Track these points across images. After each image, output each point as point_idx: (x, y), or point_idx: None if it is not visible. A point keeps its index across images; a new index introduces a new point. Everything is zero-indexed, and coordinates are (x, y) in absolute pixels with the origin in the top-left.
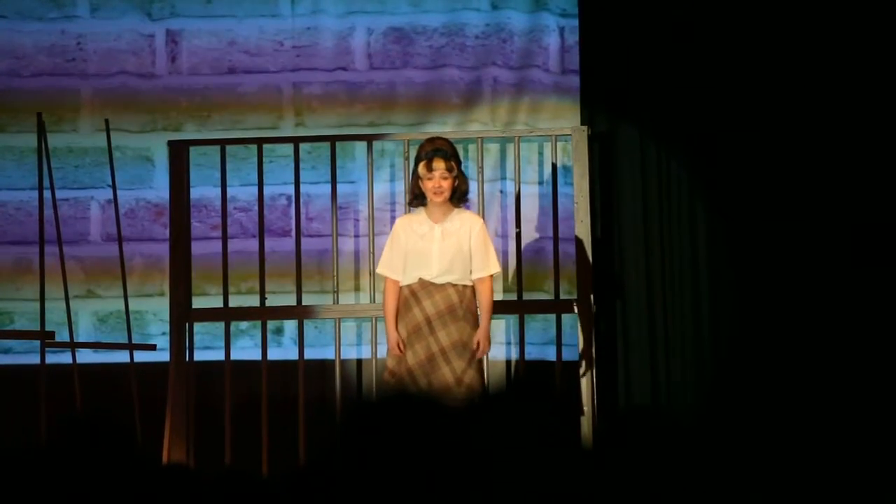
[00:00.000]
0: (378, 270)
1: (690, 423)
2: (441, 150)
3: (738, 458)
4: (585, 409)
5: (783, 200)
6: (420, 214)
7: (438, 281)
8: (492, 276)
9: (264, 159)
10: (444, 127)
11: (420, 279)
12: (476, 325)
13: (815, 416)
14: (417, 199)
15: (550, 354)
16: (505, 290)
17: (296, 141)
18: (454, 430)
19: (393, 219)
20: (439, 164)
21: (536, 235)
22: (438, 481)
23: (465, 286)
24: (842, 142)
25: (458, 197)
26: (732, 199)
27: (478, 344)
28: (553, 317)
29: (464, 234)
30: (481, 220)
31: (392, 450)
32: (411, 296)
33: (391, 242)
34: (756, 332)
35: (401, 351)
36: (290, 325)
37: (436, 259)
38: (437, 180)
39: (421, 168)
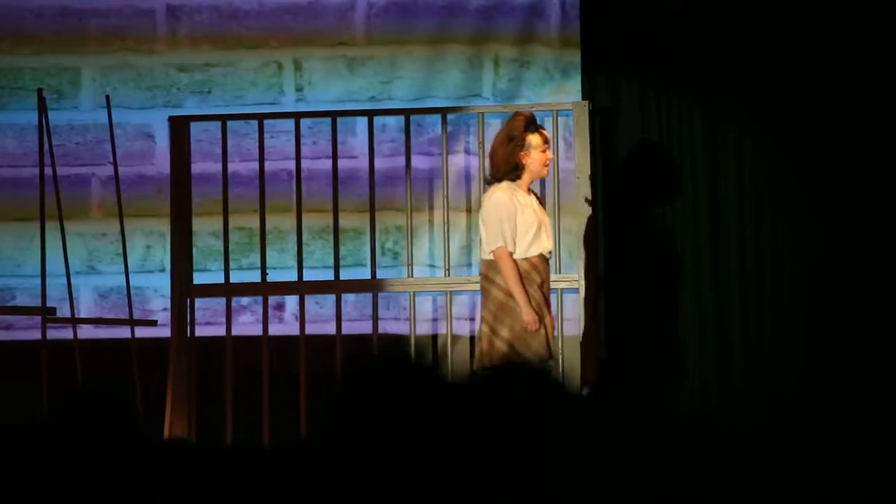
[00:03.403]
0: (500, 244)
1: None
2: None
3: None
4: (589, 381)
5: (788, 173)
6: (514, 188)
7: (549, 256)
8: None
9: (265, 135)
10: (445, 102)
11: (540, 254)
12: None
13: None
14: (512, 171)
15: None
16: None
17: (297, 116)
18: (454, 404)
19: (395, 194)
20: (547, 136)
21: None
22: (439, 458)
23: None
24: (858, 120)
25: None
26: (736, 172)
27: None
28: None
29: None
30: None
31: (392, 423)
32: (532, 269)
33: (507, 214)
34: (757, 309)
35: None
36: (291, 301)
37: (545, 232)
38: (548, 153)
39: (535, 138)
